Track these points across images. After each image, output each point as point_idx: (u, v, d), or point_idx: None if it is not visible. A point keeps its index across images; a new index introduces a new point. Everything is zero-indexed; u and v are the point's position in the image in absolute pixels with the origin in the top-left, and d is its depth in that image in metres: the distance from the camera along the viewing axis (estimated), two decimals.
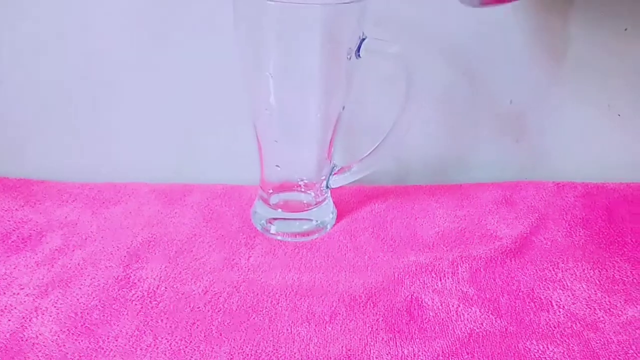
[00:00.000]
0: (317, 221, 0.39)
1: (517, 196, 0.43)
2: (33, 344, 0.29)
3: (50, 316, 0.31)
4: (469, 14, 0.40)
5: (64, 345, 0.29)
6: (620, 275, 0.34)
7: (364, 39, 0.34)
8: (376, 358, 0.29)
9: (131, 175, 0.45)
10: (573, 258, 0.36)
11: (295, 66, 0.34)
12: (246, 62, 0.35)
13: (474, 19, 0.41)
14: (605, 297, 0.33)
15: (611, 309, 0.32)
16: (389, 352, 0.29)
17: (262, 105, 0.35)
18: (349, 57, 0.34)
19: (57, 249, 0.36)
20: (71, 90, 0.43)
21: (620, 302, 0.32)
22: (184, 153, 0.46)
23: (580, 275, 0.34)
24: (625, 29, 0.41)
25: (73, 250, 0.36)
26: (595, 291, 0.33)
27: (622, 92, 0.44)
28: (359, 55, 0.34)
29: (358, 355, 0.29)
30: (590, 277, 0.34)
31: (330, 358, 0.29)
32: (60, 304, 0.32)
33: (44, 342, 0.29)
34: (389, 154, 0.37)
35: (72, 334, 0.30)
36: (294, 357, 0.29)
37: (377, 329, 0.30)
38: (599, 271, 0.35)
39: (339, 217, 0.40)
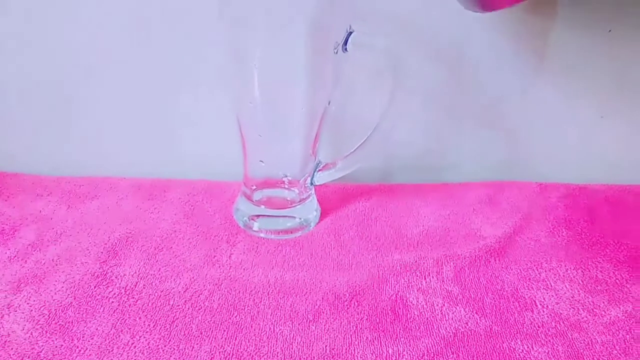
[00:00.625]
0: (300, 219, 0.38)
1: (501, 196, 0.43)
2: (5, 342, 0.28)
3: (23, 313, 0.30)
4: (456, 11, 0.40)
5: (37, 344, 0.28)
6: (603, 276, 0.35)
7: (351, 33, 0.34)
8: (360, 358, 0.28)
9: (111, 170, 0.43)
10: (556, 258, 0.36)
11: (281, 58, 0.33)
12: (230, 53, 0.34)
13: (461, 15, 0.41)
14: (588, 298, 0.33)
15: (595, 309, 0.32)
16: (373, 352, 0.29)
17: (246, 98, 0.34)
18: (335, 51, 0.33)
19: (30, 244, 0.35)
20: (49, 83, 0.42)
21: (603, 302, 0.32)
22: (166, 148, 0.45)
23: (564, 276, 0.34)
24: (610, 31, 0.42)
25: (47, 246, 0.35)
26: (578, 291, 0.33)
27: (604, 94, 0.44)
28: (345, 49, 0.34)
29: (342, 354, 0.28)
30: (574, 277, 0.34)
31: (314, 357, 0.28)
32: (34, 300, 0.30)
33: (16, 340, 0.28)
34: (375, 151, 0.37)
35: (46, 332, 0.29)
36: (277, 356, 0.28)
37: (361, 328, 0.30)
38: (582, 271, 0.35)
39: (323, 215, 0.40)
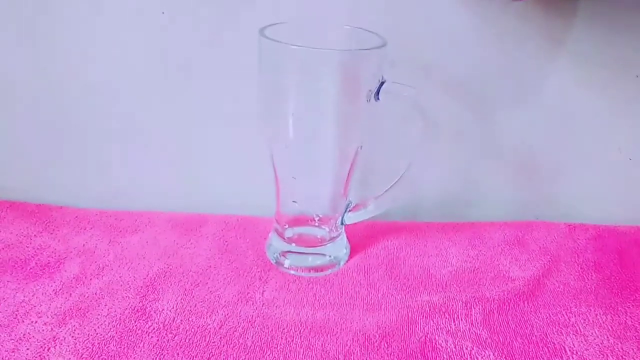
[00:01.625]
0: (330, 256, 0.39)
1: (529, 237, 0.43)
2: None
3: (68, 346, 0.31)
4: (483, 55, 0.41)
5: None
6: (632, 322, 0.35)
7: (383, 82, 0.35)
8: None
9: (147, 205, 0.45)
10: (586, 303, 0.36)
11: (316, 107, 0.35)
12: (268, 101, 0.35)
13: (488, 59, 0.42)
14: (617, 344, 0.33)
15: (624, 356, 0.32)
16: None
17: (282, 141, 0.36)
18: (368, 99, 0.35)
19: (74, 277, 0.37)
20: (90, 119, 0.44)
21: (632, 349, 0.33)
22: (200, 183, 0.46)
23: (593, 321, 0.35)
24: (637, 76, 0.42)
25: (90, 279, 0.36)
26: (607, 337, 0.33)
27: (633, 136, 0.45)
28: (378, 98, 0.35)
29: None
30: (603, 322, 0.35)
31: None
32: (78, 334, 0.32)
33: None
34: (405, 193, 0.38)
35: None
36: None
37: None
38: (611, 317, 0.35)
39: (352, 252, 0.41)
